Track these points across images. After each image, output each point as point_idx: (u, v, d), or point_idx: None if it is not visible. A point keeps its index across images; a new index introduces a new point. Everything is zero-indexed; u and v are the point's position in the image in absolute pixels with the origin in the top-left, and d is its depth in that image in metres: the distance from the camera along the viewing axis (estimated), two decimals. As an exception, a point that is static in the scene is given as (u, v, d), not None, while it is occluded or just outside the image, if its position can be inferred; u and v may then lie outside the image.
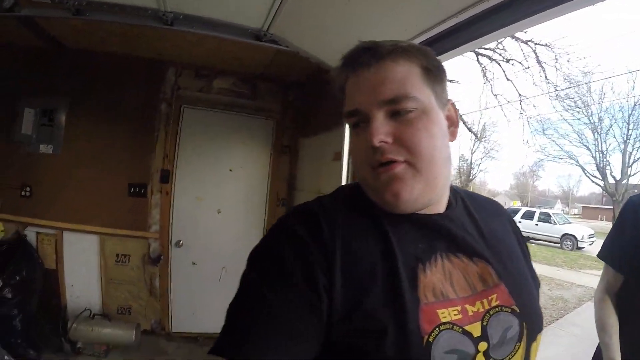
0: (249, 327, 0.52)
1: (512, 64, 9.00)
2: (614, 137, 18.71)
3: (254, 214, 3.35)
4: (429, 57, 0.65)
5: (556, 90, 10.21)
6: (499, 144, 35.70)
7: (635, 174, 19.17)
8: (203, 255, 3.19)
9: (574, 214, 40.11)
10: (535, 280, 0.72)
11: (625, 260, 1.34)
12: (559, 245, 14.14)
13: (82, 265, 2.86)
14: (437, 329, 0.54)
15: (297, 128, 3.42)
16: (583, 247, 13.67)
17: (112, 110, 2.95)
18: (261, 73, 3.21)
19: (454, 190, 0.74)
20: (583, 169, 19.52)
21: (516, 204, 34.92)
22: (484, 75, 9.55)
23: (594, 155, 18.76)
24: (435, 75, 0.65)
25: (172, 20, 1.90)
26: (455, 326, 0.56)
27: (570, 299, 6.68)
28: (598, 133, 18.14)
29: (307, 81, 3.25)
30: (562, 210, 37.40)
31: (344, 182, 2.22)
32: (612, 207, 19.48)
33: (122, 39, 2.66)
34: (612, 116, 18.36)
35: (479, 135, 23.23)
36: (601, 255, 1.44)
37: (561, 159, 19.64)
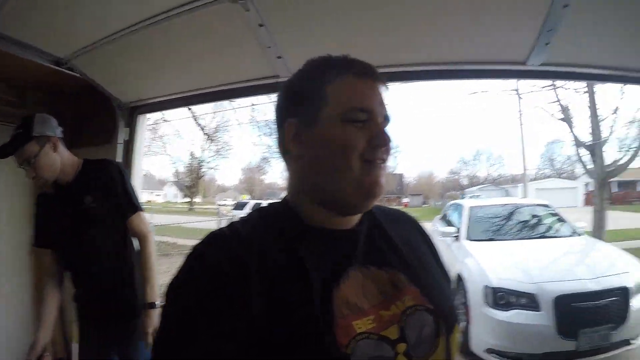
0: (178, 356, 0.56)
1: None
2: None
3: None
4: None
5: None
6: (230, 144, 37.00)
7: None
8: None
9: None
10: (446, 277, 0.80)
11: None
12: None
13: None
14: (353, 340, 0.58)
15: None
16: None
17: None
18: (35, 82, 3.09)
19: None
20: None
21: (245, 197, 37.57)
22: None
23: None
24: None
25: (-21, 34, 1.90)
26: (371, 335, 0.60)
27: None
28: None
29: (82, 92, 3.21)
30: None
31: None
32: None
33: None
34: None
35: (210, 135, 25.30)
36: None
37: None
